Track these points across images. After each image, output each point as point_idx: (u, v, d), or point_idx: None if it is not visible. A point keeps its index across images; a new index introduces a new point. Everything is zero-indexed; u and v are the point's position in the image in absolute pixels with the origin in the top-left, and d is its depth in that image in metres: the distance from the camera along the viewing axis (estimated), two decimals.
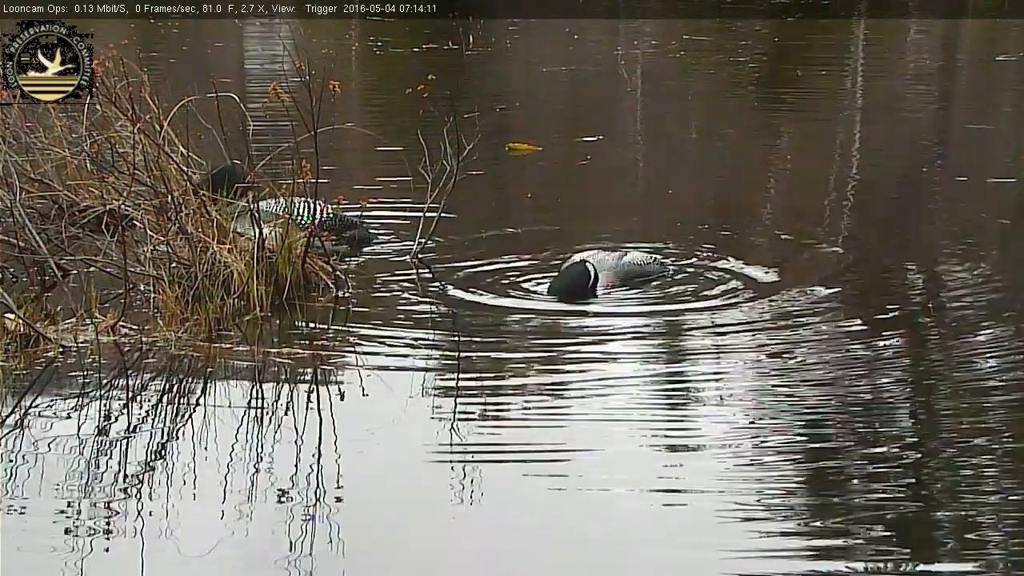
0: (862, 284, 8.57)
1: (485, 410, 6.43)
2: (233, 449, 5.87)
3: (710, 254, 9.13)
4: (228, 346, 7.26)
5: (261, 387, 6.76)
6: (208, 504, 5.32)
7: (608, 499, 5.44)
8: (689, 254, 9.13)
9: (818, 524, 5.23)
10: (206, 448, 5.90)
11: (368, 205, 9.36)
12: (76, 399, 6.50)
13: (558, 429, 6.19)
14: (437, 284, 8.46)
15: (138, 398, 6.59)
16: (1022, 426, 6.23)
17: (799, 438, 6.05)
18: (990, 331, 7.57)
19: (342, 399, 6.58)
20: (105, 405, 6.47)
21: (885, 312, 7.92)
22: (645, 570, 4.91)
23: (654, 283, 8.42)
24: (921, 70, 20.92)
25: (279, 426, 6.23)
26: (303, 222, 8.11)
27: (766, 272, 8.71)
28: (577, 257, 8.33)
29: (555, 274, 8.30)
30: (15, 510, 5.28)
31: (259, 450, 5.92)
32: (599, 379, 6.85)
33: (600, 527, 5.21)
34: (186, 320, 7.45)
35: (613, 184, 11.72)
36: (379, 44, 22.56)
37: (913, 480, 5.64)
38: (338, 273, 8.16)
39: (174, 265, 7.85)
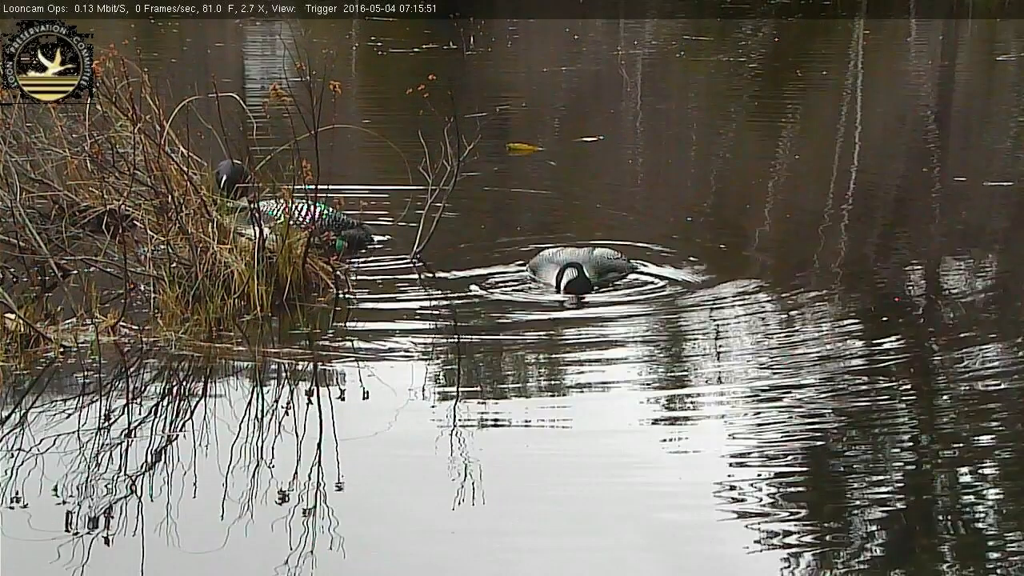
0: (862, 283, 8.58)
1: (485, 409, 6.43)
2: (233, 449, 5.87)
3: (710, 253, 9.14)
4: (228, 346, 7.26)
5: (261, 387, 6.77)
6: (208, 504, 5.32)
7: (608, 499, 5.45)
8: (689, 253, 9.14)
9: (817, 519, 5.24)
10: (206, 448, 5.90)
11: (367, 205, 9.36)
12: (76, 399, 6.50)
13: (558, 429, 6.19)
14: (436, 284, 8.47)
15: (138, 398, 6.59)
16: (1021, 424, 6.24)
17: (798, 437, 6.06)
18: (990, 331, 7.58)
19: (342, 399, 6.58)
20: (105, 405, 6.47)
21: (885, 312, 7.93)
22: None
23: (624, 279, 8.47)
24: (921, 70, 20.93)
25: (279, 426, 6.23)
26: (303, 223, 8.11)
27: (766, 270, 8.72)
28: (561, 255, 8.42)
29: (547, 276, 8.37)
30: (16, 510, 5.28)
31: (259, 450, 5.92)
32: (600, 379, 6.86)
33: (600, 527, 5.21)
34: (186, 320, 7.45)
35: (613, 184, 11.72)
36: (379, 44, 22.56)
37: (913, 480, 5.65)
38: (338, 273, 8.16)
39: (174, 265, 7.85)
